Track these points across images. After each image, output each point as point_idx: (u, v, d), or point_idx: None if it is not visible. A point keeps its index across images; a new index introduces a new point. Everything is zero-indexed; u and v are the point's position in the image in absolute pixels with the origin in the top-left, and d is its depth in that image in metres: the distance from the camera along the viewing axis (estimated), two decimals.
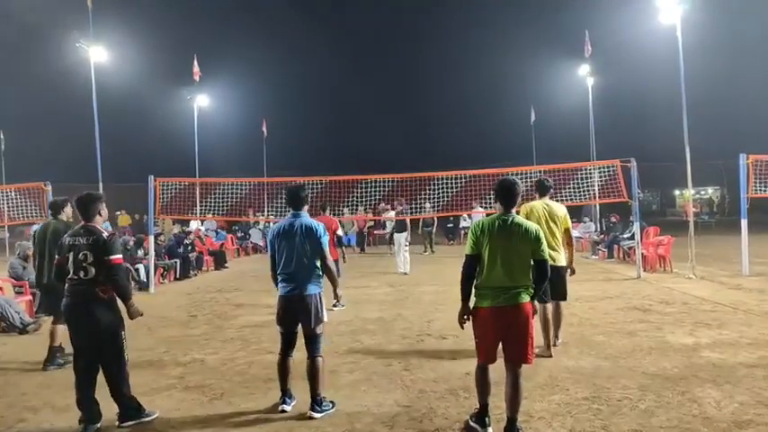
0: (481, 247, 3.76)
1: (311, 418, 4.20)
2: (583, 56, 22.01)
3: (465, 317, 3.83)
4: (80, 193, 4.41)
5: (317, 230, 4.36)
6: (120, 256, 4.22)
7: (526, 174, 13.41)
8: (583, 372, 5.11)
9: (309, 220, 4.47)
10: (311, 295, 4.34)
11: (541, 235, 3.79)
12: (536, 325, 5.60)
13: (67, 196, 6.73)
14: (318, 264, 4.40)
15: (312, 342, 4.35)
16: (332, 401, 4.39)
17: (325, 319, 4.43)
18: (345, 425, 4.06)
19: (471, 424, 3.91)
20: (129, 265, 10.39)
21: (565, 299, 5.94)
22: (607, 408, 4.22)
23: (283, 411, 4.31)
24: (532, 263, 3.76)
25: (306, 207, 4.56)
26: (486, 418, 3.86)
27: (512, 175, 13.07)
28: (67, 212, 6.18)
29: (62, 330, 5.77)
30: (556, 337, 5.92)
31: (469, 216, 17.85)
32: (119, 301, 4.20)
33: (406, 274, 12.62)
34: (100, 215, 4.31)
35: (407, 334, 6.84)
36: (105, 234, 4.17)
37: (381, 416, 4.21)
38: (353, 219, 15.37)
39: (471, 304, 3.83)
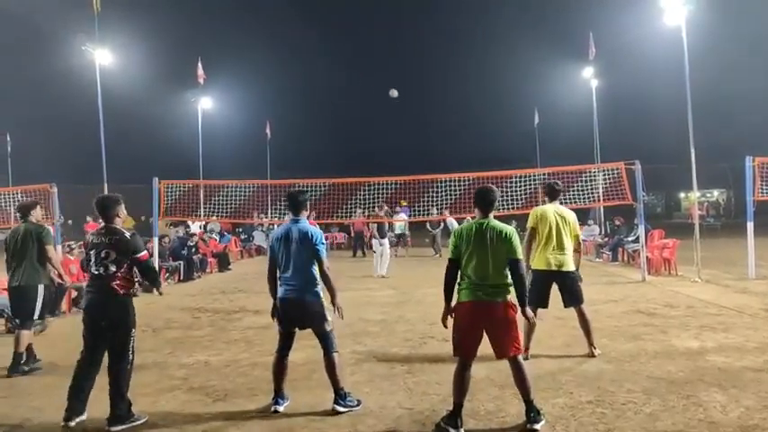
0: (461, 251, 4.05)
1: (335, 411, 4.24)
2: (587, 58, 21.96)
3: (449, 316, 4.08)
4: (99, 196, 4.59)
5: (313, 236, 4.36)
6: (145, 252, 4.44)
7: (530, 177, 13.43)
8: (587, 375, 5.09)
9: (307, 225, 4.47)
10: (310, 301, 4.35)
11: (515, 236, 4.04)
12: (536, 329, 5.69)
13: (35, 199, 6.73)
14: (316, 270, 4.39)
15: (324, 340, 4.38)
16: (359, 399, 4.40)
17: (329, 317, 4.44)
18: (348, 426, 4.06)
19: (443, 426, 3.90)
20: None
21: (582, 302, 5.75)
22: (611, 411, 4.20)
23: (276, 412, 4.32)
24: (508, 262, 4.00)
25: (305, 212, 4.57)
26: (459, 420, 3.87)
27: (516, 177, 13.23)
28: (36, 215, 6.17)
29: (28, 336, 5.70)
30: (591, 344, 5.68)
31: (444, 221, 17.42)
32: (134, 300, 4.39)
33: (384, 276, 12.65)
34: (119, 216, 4.47)
35: (410, 336, 6.84)
36: (128, 234, 4.35)
37: (384, 418, 4.21)
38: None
39: (453, 302, 4.08)
